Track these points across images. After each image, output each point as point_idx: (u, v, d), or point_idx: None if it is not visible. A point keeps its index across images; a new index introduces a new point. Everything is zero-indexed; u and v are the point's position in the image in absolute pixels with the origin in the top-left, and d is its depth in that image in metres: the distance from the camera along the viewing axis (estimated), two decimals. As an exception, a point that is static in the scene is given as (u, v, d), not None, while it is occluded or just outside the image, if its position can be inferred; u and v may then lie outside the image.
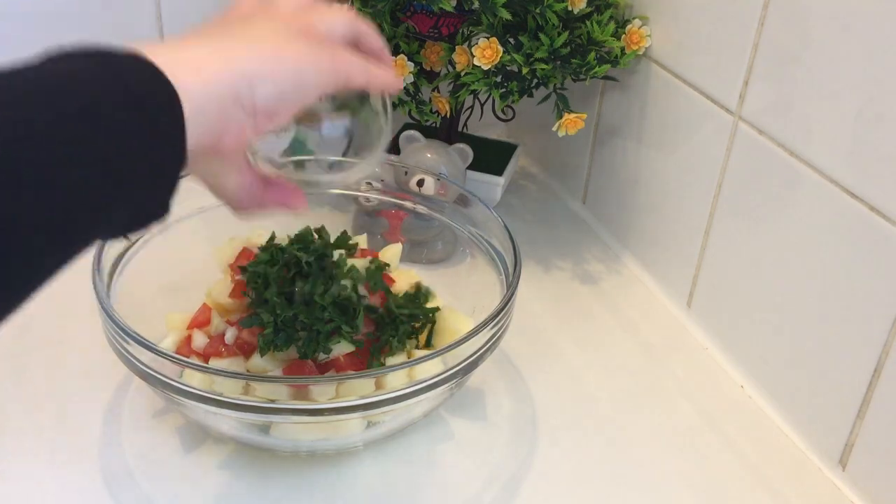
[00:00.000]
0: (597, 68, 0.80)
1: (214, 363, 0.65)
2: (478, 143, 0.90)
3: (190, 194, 0.48)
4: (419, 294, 0.69)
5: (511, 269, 0.69)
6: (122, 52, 0.39)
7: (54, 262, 0.37)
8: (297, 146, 0.57)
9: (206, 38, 0.43)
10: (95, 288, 0.64)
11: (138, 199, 0.39)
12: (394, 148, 0.91)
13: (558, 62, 0.80)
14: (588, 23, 0.80)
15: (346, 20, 0.50)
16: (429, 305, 0.69)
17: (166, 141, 0.39)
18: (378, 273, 0.68)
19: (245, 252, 0.69)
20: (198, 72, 0.40)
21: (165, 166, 0.39)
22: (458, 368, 0.62)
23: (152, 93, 0.38)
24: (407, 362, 0.62)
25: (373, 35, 0.52)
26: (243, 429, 0.64)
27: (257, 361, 0.64)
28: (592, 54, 0.80)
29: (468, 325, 0.66)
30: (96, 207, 0.37)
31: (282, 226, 0.77)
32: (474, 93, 0.86)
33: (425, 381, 0.61)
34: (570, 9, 0.79)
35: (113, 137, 0.37)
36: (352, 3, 0.85)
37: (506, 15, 0.78)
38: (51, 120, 0.35)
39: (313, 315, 0.63)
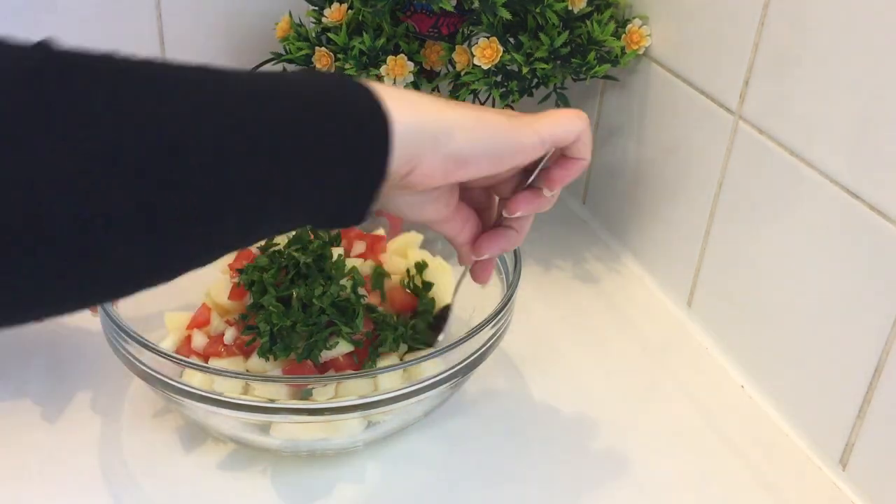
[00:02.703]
0: (597, 68, 0.80)
1: (214, 363, 0.65)
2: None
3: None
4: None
5: (511, 269, 0.69)
6: (355, 79, 0.45)
7: (257, 230, 0.43)
8: None
9: (424, 95, 0.49)
10: (95, 288, 0.63)
11: (338, 198, 0.44)
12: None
13: (558, 62, 0.80)
14: (588, 22, 0.80)
15: (568, 125, 0.53)
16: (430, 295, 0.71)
17: (373, 154, 0.44)
18: (380, 278, 0.69)
19: (243, 252, 0.69)
20: (411, 107, 0.45)
21: (369, 175, 0.44)
22: (457, 368, 0.62)
23: (371, 112, 0.44)
24: (407, 362, 0.62)
25: (584, 148, 0.54)
26: (243, 429, 0.64)
27: (257, 361, 0.64)
28: (592, 54, 0.80)
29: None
30: (299, 196, 0.42)
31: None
32: (474, 92, 0.86)
33: (425, 380, 0.61)
34: (570, 8, 0.79)
35: (327, 140, 0.42)
36: (352, 2, 0.85)
37: (506, 14, 0.78)
38: (281, 115, 0.41)
39: (311, 321, 0.63)
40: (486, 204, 0.59)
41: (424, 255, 0.74)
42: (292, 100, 0.42)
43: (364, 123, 0.43)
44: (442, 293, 0.71)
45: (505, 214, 0.57)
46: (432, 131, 0.46)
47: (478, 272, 0.60)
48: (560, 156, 0.54)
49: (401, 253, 0.74)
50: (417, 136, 0.45)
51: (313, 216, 0.45)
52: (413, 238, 0.76)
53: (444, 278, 0.72)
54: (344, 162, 0.43)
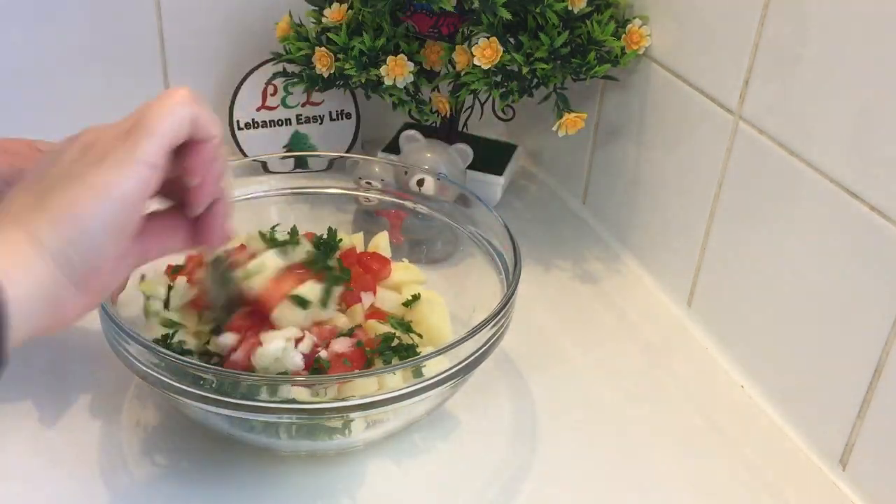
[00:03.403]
0: (597, 68, 0.80)
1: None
2: (478, 143, 0.90)
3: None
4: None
5: (511, 269, 0.69)
6: None
7: None
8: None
9: (22, 216, 0.42)
10: (95, 288, 0.63)
11: None
12: (394, 148, 0.92)
13: (558, 62, 0.80)
14: (588, 22, 0.80)
15: (171, 120, 0.45)
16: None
17: None
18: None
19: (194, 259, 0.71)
20: (9, 275, 0.39)
21: None
22: (458, 368, 0.62)
23: None
24: (407, 362, 0.62)
25: (205, 127, 0.47)
26: (243, 428, 0.64)
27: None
28: (592, 54, 0.80)
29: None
30: None
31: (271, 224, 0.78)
32: (474, 92, 0.86)
33: (425, 380, 0.61)
34: (570, 8, 0.79)
35: None
36: (352, 2, 0.85)
37: (506, 14, 0.78)
38: None
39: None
40: (171, 189, 0.51)
41: (418, 288, 0.73)
42: None
43: None
44: (434, 331, 0.70)
45: (197, 211, 0.51)
46: (50, 275, 0.41)
47: (213, 239, 0.53)
48: (186, 142, 0.47)
49: (395, 288, 0.73)
50: (38, 295, 0.41)
51: None
52: (409, 274, 0.74)
53: (436, 313, 0.71)
54: None
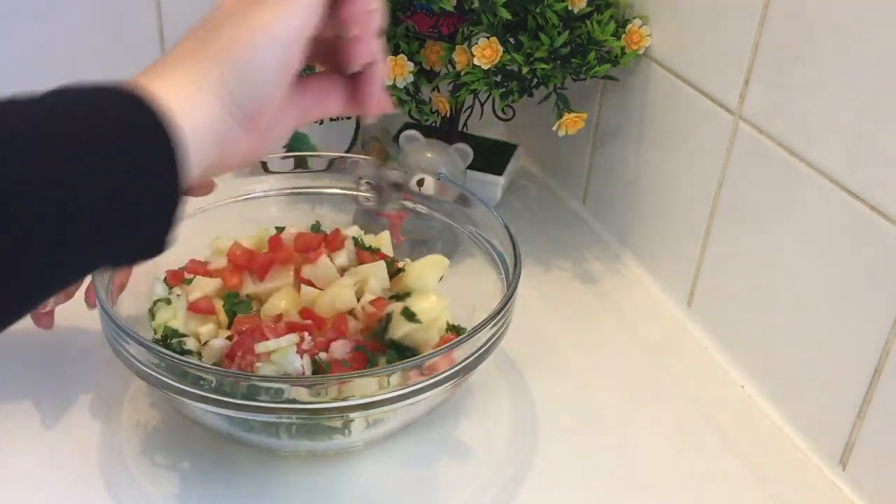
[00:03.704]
0: (597, 68, 0.80)
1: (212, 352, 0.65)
2: (478, 143, 0.90)
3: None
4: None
5: (511, 269, 0.69)
6: (125, 92, 0.39)
7: (43, 286, 0.38)
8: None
9: (187, 57, 0.44)
10: (95, 287, 0.63)
11: (130, 234, 0.40)
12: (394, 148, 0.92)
13: (558, 62, 0.80)
14: (588, 22, 0.80)
15: None
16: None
17: (160, 181, 0.39)
18: None
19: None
20: (180, 113, 0.40)
21: (160, 204, 0.40)
22: (458, 368, 0.62)
23: (149, 134, 0.39)
24: (407, 362, 0.62)
25: None
26: (243, 428, 0.64)
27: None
28: (592, 54, 0.80)
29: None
30: (86, 240, 0.37)
31: (277, 223, 0.78)
32: (474, 92, 0.86)
33: (425, 380, 0.61)
34: (570, 8, 0.79)
35: (106, 174, 0.37)
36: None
37: (506, 14, 0.78)
38: (40, 159, 0.35)
39: None
40: (328, 50, 0.51)
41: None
42: (61, 133, 0.37)
43: (146, 143, 0.39)
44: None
45: (351, 71, 0.50)
46: (217, 120, 0.42)
47: (372, 108, 0.52)
48: None
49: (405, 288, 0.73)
50: (207, 136, 0.42)
51: (113, 246, 0.40)
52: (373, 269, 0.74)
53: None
54: (134, 189, 0.38)
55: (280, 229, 0.76)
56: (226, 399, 0.59)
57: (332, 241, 0.74)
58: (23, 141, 0.36)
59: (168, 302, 0.70)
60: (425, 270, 0.71)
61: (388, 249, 0.76)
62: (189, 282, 0.72)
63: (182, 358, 0.61)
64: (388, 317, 0.67)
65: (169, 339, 0.67)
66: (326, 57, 0.51)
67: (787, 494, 0.67)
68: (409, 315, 0.67)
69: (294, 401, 0.59)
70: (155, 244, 0.41)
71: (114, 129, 0.38)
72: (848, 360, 0.65)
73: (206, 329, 0.68)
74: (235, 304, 0.70)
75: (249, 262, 0.72)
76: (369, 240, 0.76)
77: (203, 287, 0.71)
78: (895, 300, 0.61)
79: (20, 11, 0.89)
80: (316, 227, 0.78)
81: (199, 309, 0.69)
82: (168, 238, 0.41)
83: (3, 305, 0.37)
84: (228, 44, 0.43)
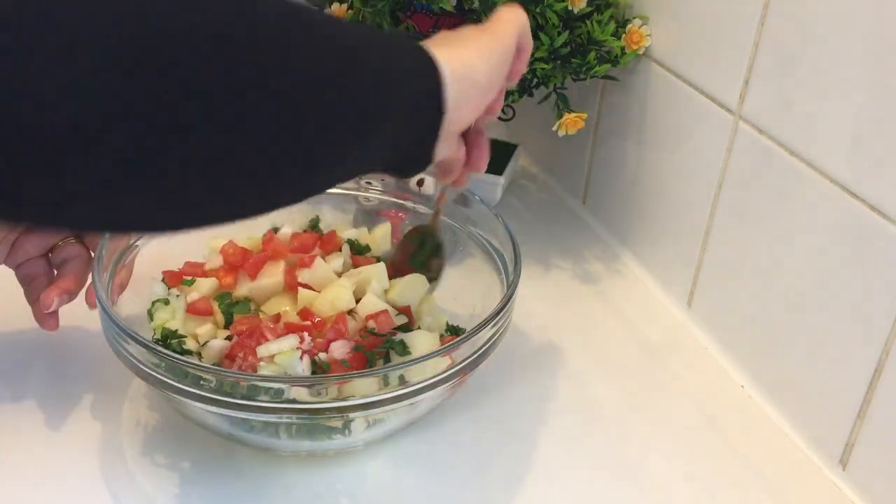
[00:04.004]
0: (597, 68, 0.80)
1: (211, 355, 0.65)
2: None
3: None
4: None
5: (511, 269, 0.69)
6: (412, 40, 0.53)
7: (352, 160, 0.49)
8: None
9: (455, 43, 0.56)
10: (95, 287, 0.64)
11: (408, 136, 0.52)
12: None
13: (558, 62, 0.80)
14: (588, 22, 0.80)
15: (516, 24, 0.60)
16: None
17: (431, 95, 0.52)
18: None
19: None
20: (448, 63, 0.53)
21: (430, 113, 0.52)
22: (458, 368, 0.62)
23: (429, 67, 0.52)
24: (407, 362, 0.62)
25: (528, 35, 0.62)
26: (243, 428, 0.64)
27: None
28: (592, 54, 0.80)
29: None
30: (374, 130, 0.48)
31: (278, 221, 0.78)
32: (474, 92, 0.86)
33: (425, 380, 0.61)
34: (570, 8, 0.79)
35: (398, 83, 0.49)
36: (352, 2, 0.85)
37: (506, 15, 0.77)
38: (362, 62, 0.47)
39: None
40: None
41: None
42: (377, 53, 0.49)
43: (425, 72, 0.52)
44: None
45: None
46: (464, 75, 0.54)
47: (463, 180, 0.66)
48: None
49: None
50: (457, 83, 0.53)
51: (393, 152, 0.52)
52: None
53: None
54: (414, 105, 0.51)
55: (276, 229, 0.76)
56: (226, 399, 0.59)
57: (328, 243, 0.74)
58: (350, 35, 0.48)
59: (166, 302, 0.70)
60: (405, 290, 0.72)
61: (386, 243, 0.77)
62: (189, 283, 0.72)
63: (182, 358, 0.61)
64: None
65: (168, 339, 0.67)
66: None
67: (787, 494, 0.67)
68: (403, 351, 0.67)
69: (294, 401, 0.59)
70: (424, 149, 0.54)
71: (409, 64, 0.51)
72: (848, 360, 0.65)
73: (203, 330, 0.68)
74: (231, 304, 0.70)
75: (243, 261, 0.72)
76: (365, 237, 0.76)
77: (201, 288, 0.71)
78: (895, 300, 0.61)
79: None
80: (315, 222, 0.78)
81: (196, 310, 0.69)
82: (432, 150, 0.54)
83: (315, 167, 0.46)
84: (488, 48, 0.58)
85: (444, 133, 0.53)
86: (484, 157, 0.64)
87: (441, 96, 0.52)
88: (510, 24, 0.59)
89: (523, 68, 0.62)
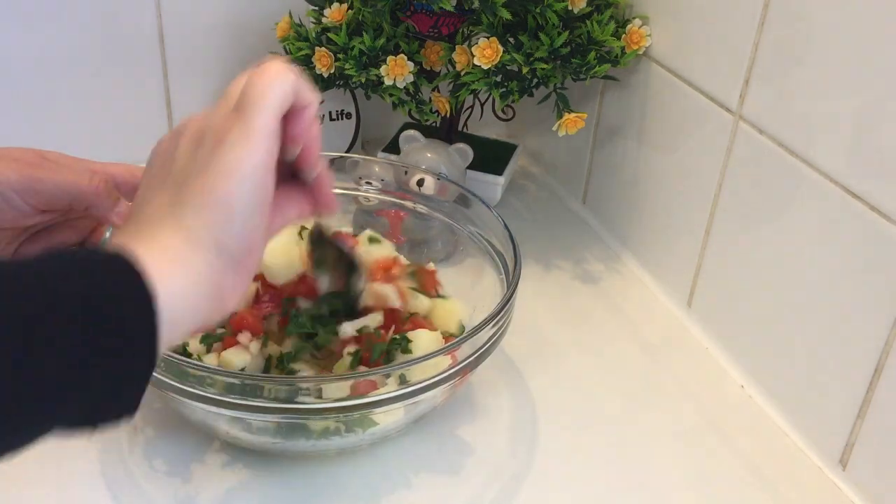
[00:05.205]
0: (597, 68, 0.80)
1: (212, 358, 0.65)
2: (478, 143, 0.90)
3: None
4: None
5: (511, 269, 0.69)
6: (110, 258, 0.39)
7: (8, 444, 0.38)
8: None
9: (165, 215, 0.43)
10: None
11: (98, 395, 0.39)
12: (394, 148, 0.92)
13: (558, 62, 0.80)
14: (588, 22, 0.80)
15: (268, 92, 0.45)
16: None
17: (135, 345, 0.39)
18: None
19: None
20: (174, 268, 0.41)
21: (133, 367, 0.39)
22: (458, 368, 0.62)
23: (128, 298, 0.39)
24: (407, 362, 0.62)
25: (305, 91, 0.48)
26: (243, 429, 0.64)
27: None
28: (592, 54, 0.80)
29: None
30: (55, 397, 0.37)
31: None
32: (474, 92, 0.86)
33: (425, 380, 0.61)
34: (570, 8, 0.79)
35: (80, 339, 0.37)
36: (352, 2, 0.85)
37: (506, 14, 0.78)
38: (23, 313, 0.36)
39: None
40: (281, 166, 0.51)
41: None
42: (41, 294, 0.37)
43: (123, 322, 0.38)
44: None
45: (309, 179, 0.51)
46: (209, 273, 0.42)
47: (331, 209, 0.53)
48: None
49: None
50: (201, 290, 0.42)
51: (70, 420, 0.41)
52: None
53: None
54: (101, 368, 0.38)
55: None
56: (226, 399, 0.59)
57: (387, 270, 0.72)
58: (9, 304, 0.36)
59: None
60: (447, 316, 0.71)
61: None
62: None
63: (182, 358, 0.61)
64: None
65: None
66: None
67: (787, 494, 0.67)
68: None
69: (294, 401, 0.59)
70: (121, 408, 0.41)
71: (95, 297, 0.38)
72: (848, 359, 0.65)
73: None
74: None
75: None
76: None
77: None
78: (895, 300, 0.61)
79: (20, 12, 0.89)
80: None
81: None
82: (134, 404, 0.41)
83: None
84: (203, 193, 0.43)
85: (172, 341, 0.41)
86: (329, 194, 0.52)
87: (150, 330, 0.39)
88: (259, 108, 0.44)
89: (306, 127, 0.48)
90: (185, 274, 0.41)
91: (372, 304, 0.67)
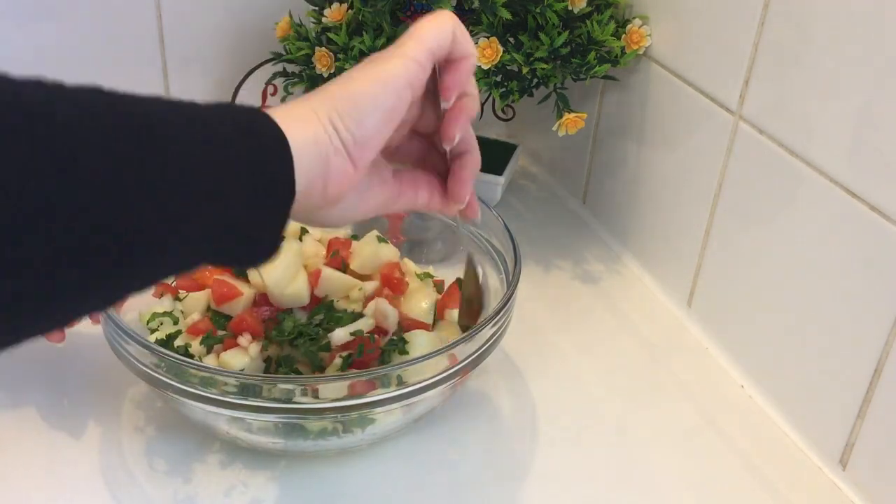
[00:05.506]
0: (597, 68, 0.80)
1: (211, 359, 0.65)
2: (478, 143, 0.90)
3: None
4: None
5: (511, 269, 0.69)
6: (258, 113, 0.45)
7: (164, 266, 0.42)
8: None
9: (310, 97, 0.49)
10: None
11: (247, 223, 0.43)
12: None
13: (558, 62, 0.80)
14: (588, 22, 0.80)
15: (433, 34, 0.50)
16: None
17: (277, 176, 0.44)
18: None
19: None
20: (292, 127, 0.45)
21: (276, 196, 0.44)
22: (458, 368, 0.62)
23: (272, 143, 0.44)
24: (407, 362, 0.62)
25: (463, 45, 0.52)
26: (243, 428, 0.64)
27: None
28: (592, 54, 0.80)
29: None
30: (200, 230, 0.41)
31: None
32: (474, 92, 0.86)
33: (425, 380, 0.61)
34: (570, 8, 0.79)
35: (229, 167, 0.42)
36: (352, 2, 0.85)
37: (506, 14, 0.78)
38: (182, 149, 0.40)
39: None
40: (426, 150, 0.57)
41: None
42: (188, 133, 0.41)
43: (263, 148, 0.44)
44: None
45: (447, 147, 0.54)
46: (320, 139, 0.46)
47: (467, 212, 0.57)
48: (445, 61, 0.52)
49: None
50: (310, 148, 0.46)
51: (219, 250, 0.43)
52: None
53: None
54: (247, 189, 0.42)
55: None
56: (226, 399, 0.59)
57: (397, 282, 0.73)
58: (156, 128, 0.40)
59: (166, 314, 0.70)
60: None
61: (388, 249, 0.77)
62: (181, 299, 0.71)
63: (182, 358, 0.61)
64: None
65: (169, 340, 0.67)
66: (423, 160, 0.57)
67: (787, 494, 0.67)
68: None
69: (294, 401, 0.59)
70: (263, 241, 0.45)
71: (233, 132, 0.43)
72: (848, 359, 0.65)
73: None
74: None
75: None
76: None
77: (197, 305, 0.70)
78: (895, 300, 0.61)
79: (20, 12, 0.89)
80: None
81: (198, 331, 0.68)
82: (278, 236, 0.45)
83: (112, 283, 0.39)
84: (345, 85, 0.49)
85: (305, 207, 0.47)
86: (465, 182, 0.55)
87: (284, 171, 0.44)
88: (415, 39, 0.50)
89: (462, 79, 0.52)
90: (303, 130, 0.45)
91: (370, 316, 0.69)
